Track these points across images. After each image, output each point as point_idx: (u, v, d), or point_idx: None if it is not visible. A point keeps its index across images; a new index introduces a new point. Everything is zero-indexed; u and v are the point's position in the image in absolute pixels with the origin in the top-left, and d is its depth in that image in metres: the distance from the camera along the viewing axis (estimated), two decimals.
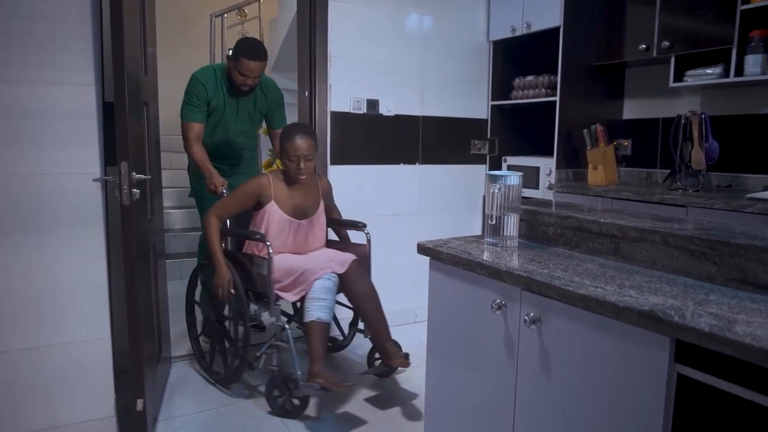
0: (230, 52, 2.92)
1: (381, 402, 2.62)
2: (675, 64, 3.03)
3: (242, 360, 2.58)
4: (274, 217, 2.59)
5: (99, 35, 2.09)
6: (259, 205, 2.61)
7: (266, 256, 2.46)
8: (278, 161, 5.03)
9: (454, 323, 1.67)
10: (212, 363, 2.85)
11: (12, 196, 1.97)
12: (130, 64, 2.01)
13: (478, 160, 3.91)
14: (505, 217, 1.68)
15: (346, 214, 3.42)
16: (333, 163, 3.36)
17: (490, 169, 3.91)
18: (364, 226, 2.83)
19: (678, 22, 3.01)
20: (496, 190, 1.66)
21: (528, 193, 3.54)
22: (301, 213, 2.66)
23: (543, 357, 1.37)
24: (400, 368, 2.77)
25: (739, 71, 2.77)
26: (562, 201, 2.89)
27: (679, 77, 3.03)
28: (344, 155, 3.39)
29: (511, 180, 1.66)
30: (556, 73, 3.42)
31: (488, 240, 1.73)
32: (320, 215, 2.76)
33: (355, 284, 2.56)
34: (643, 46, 3.16)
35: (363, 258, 2.76)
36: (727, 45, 2.77)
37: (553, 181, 3.46)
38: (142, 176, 2.13)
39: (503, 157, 3.88)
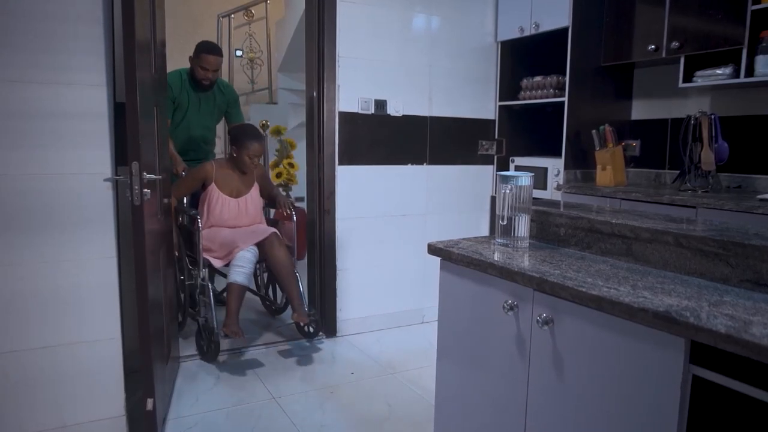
0: (193, 53, 3.45)
1: (389, 402, 2.62)
2: (684, 65, 3.02)
3: (185, 311, 3.27)
4: (213, 196, 3.20)
5: (110, 36, 2.10)
6: (203, 186, 3.22)
7: (197, 229, 3.03)
8: (284, 161, 5.05)
9: (464, 324, 1.67)
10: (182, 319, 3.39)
11: (23, 196, 1.98)
12: (142, 65, 2.01)
13: (486, 160, 3.90)
14: (516, 217, 1.68)
15: (354, 214, 3.44)
16: (341, 163, 3.36)
17: (497, 170, 3.90)
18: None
19: (687, 23, 3.00)
20: (507, 191, 1.66)
21: (536, 193, 3.52)
22: (236, 193, 3.25)
23: (555, 358, 1.37)
24: (412, 368, 2.82)
25: (750, 72, 2.76)
26: (571, 202, 2.89)
27: (688, 78, 3.02)
28: (352, 156, 3.40)
29: (522, 181, 1.65)
30: (564, 74, 3.41)
31: (499, 240, 1.73)
32: (254, 196, 3.33)
33: (272, 252, 3.10)
34: (653, 46, 3.15)
35: (289, 234, 3.34)
36: (738, 45, 2.76)
37: (561, 182, 3.45)
38: (153, 176, 2.13)
39: (511, 158, 3.87)
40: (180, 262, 3.18)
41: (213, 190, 3.19)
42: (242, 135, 3.20)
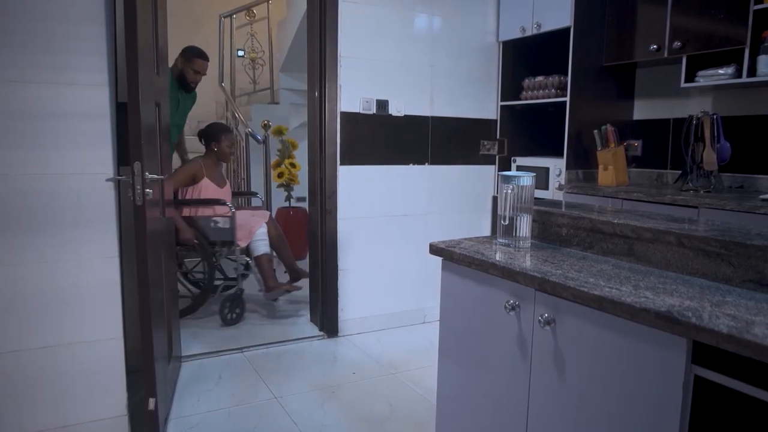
0: (182, 56, 3.62)
1: (390, 402, 2.62)
2: (686, 65, 3.01)
3: (208, 288, 3.63)
4: (209, 189, 3.66)
5: (112, 36, 2.11)
6: (193, 180, 3.61)
7: (228, 215, 3.57)
8: (286, 161, 5.05)
9: (466, 324, 1.66)
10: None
11: (24, 196, 1.98)
12: (144, 65, 2.02)
13: (488, 160, 3.90)
14: (518, 217, 1.68)
15: (355, 214, 3.44)
16: (342, 163, 3.36)
17: (499, 170, 3.90)
18: (256, 194, 4.37)
19: (689, 22, 3.00)
20: (509, 191, 1.65)
21: (537, 193, 3.48)
22: (222, 184, 3.78)
23: (557, 358, 1.37)
24: (413, 368, 2.82)
25: (752, 72, 2.75)
26: (572, 202, 2.89)
27: (690, 78, 3.02)
28: (354, 156, 3.40)
29: (523, 181, 1.65)
30: (566, 74, 3.41)
31: (501, 240, 1.73)
32: (228, 184, 3.91)
33: (271, 231, 3.77)
34: (654, 46, 3.14)
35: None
36: (740, 45, 2.76)
37: (562, 182, 3.45)
38: (155, 176, 2.13)
39: (513, 158, 3.87)
40: (203, 248, 3.55)
41: (207, 183, 3.64)
42: (218, 131, 3.73)
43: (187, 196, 3.63)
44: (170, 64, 3.40)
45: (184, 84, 3.63)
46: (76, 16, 1.99)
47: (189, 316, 3.65)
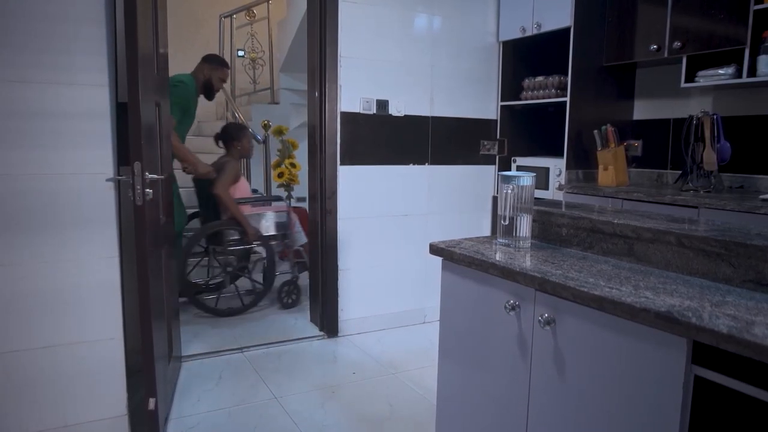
0: (207, 63, 3.69)
1: (390, 402, 2.62)
2: (686, 65, 3.01)
3: (271, 277, 3.82)
4: (244, 186, 3.95)
5: (113, 36, 2.11)
6: (235, 180, 3.78)
7: (285, 210, 3.98)
8: (286, 161, 5.05)
9: (466, 324, 1.66)
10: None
11: (24, 196, 1.98)
12: (144, 66, 2.02)
13: (488, 160, 3.90)
14: (518, 217, 1.68)
15: (355, 214, 3.44)
16: (343, 163, 3.36)
17: (499, 170, 3.90)
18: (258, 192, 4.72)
19: (690, 23, 3.00)
20: (509, 191, 1.65)
21: (537, 193, 3.49)
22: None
23: (557, 358, 1.37)
24: (413, 368, 2.84)
25: (752, 72, 2.75)
26: (573, 202, 2.88)
27: (690, 78, 3.02)
28: (354, 156, 3.40)
29: (524, 181, 1.65)
30: (566, 74, 3.40)
31: (501, 240, 1.73)
32: None
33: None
34: (654, 46, 3.14)
35: None
36: (740, 45, 2.76)
37: (563, 182, 3.45)
38: (155, 176, 2.13)
39: (513, 158, 3.87)
40: (266, 242, 3.78)
41: (243, 181, 3.96)
42: (237, 130, 3.92)
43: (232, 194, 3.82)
44: (170, 65, 3.38)
45: (209, 92, 3.73)
46: (76, 16, 1.99)
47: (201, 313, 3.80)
